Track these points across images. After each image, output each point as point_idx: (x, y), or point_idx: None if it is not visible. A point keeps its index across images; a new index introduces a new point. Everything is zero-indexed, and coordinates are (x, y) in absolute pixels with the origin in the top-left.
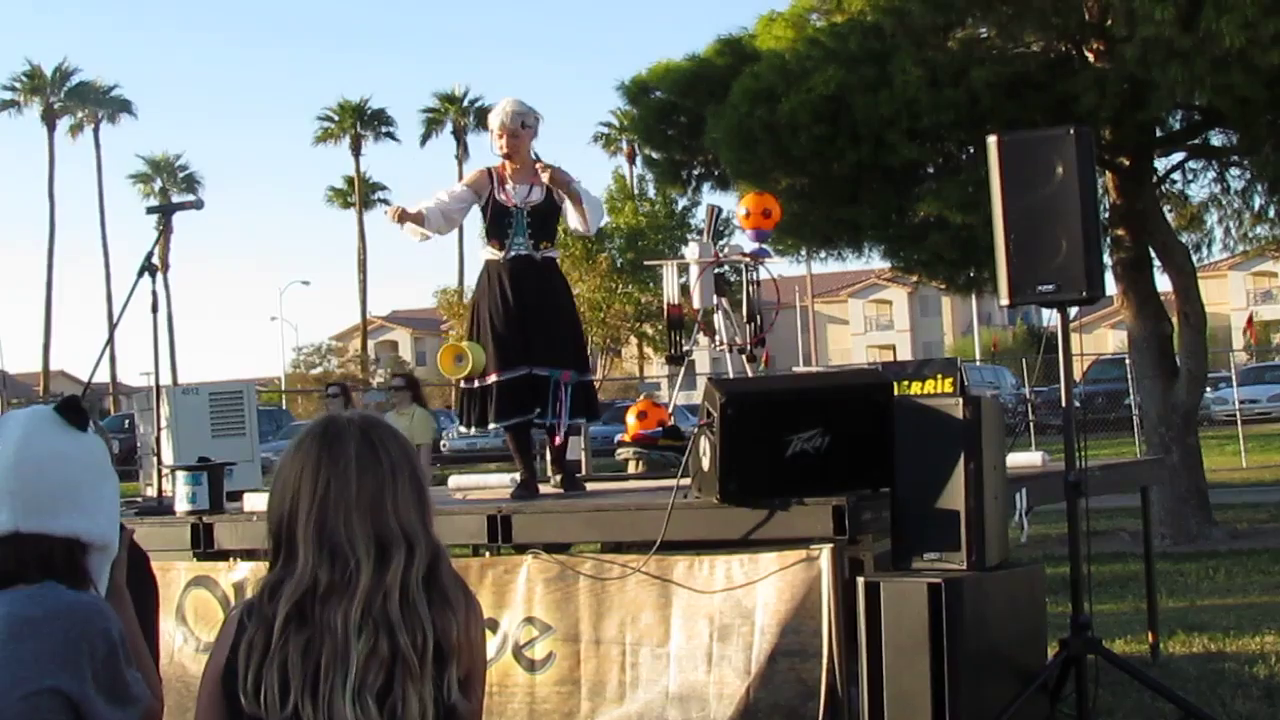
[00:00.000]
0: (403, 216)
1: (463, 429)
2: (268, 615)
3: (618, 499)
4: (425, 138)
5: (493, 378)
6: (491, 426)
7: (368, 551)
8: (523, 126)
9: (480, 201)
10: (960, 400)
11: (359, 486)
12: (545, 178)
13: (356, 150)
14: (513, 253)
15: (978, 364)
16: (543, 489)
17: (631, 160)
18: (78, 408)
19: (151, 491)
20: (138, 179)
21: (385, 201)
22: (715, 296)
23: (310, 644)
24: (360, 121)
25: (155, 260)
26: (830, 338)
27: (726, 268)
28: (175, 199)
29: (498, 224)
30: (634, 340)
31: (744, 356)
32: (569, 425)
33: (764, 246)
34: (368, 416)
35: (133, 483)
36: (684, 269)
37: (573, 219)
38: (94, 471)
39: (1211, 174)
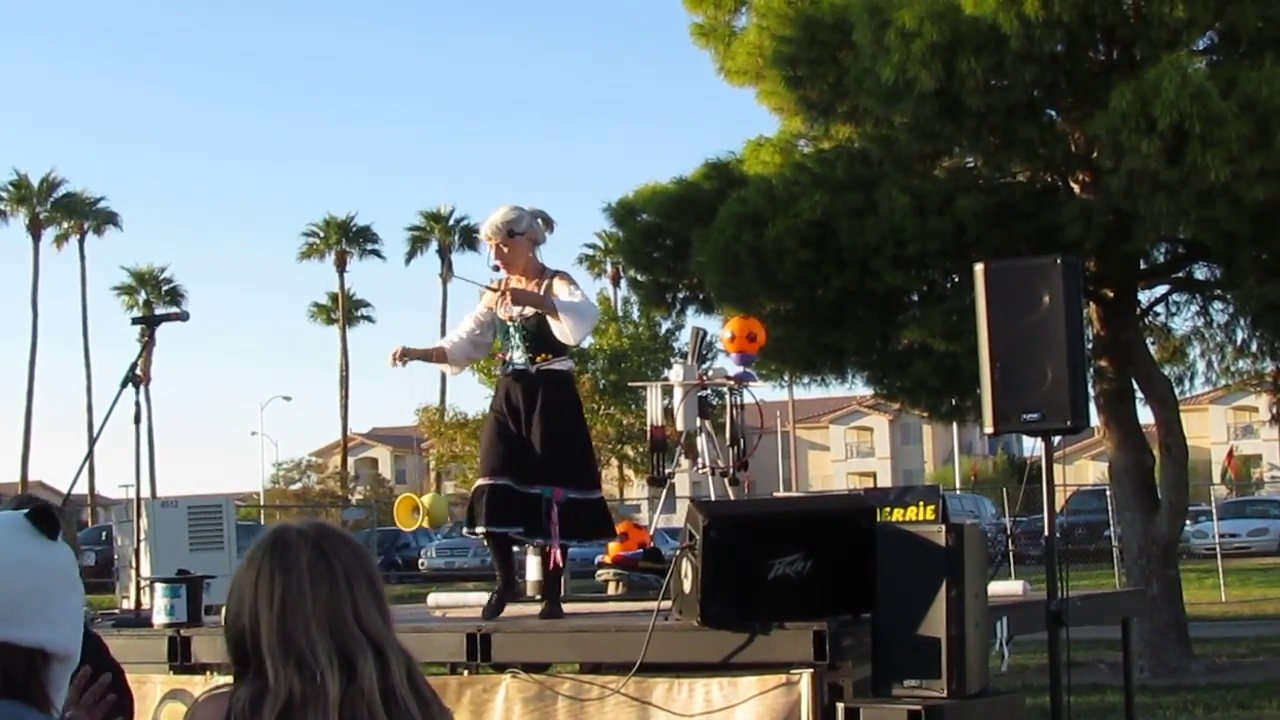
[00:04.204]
0: (405, 355)
1: (465, 530)
2: None
3: (598, 620)
4: (410, 256)
5: (480, 482)
6: (480, 531)
7: (330, 661)
8: (510, 235)
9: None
10: (943, 528)
11: (314, 596)
12: (508, 299)
13: (341, 267)
14: (511, 367)
15: (958, 493)
16: (522, 609)
17: (616, 282)
18: (49, 516)
19: (129, 604)
20: (121, 291)
21: (369, 319)
22: (698, 419)
23: None
24: (345, 238)
25: (139, 372)
26: (811, 463)
27: (710, 391)
28: (159, 311)
29: (501, 339)
30: (614, 462)
31: (726, 480)
32: (561, 547)
33: (748, 370)
34: (318, 525)
35: (109, 594)
36: (668, 391)
37: (554, 330)
38: (63, 582)
39: (1195, 307)
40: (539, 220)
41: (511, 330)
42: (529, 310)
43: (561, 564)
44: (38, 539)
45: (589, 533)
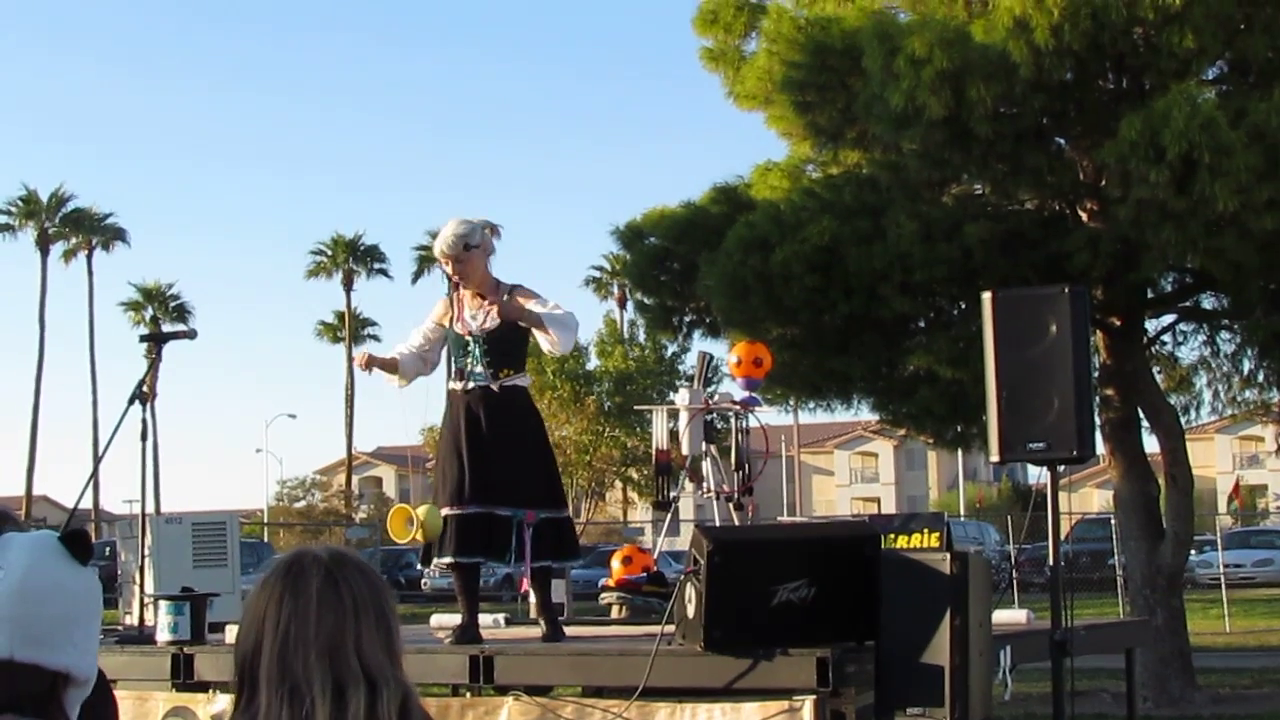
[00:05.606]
0: (370, 362)
1: (419, 565)
2: None
3: (601, 643)
4: (417, 275)
5: (445, 511)
6: (446, 561)
7: (323, 692)
8: (466, 249)
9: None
10: (947, 555)
11: (318, 625)
12: (495, 312)
13: (348, 285)
14: (471, 384)
15: (962, 519)
16: (524, 631)
17: (623, 304)
18: (84, 541)
19: (131, 620)
20: (129, 306)
21: (375, 338)
22: (704, 444)
23: None
24: (353, 257)
25: (145, 388)
26: (815, 488)
27: (715, 415)
28: (166, 328)
29: (457, 354)
30: (619, 484)
31: (731, 504)
32: (545, 568)
33: (754, 395)
34: (337, 552)
35: (112, 610)
36: (673, 415)
37: (542, 343)
38: (89, 608)
39: (1202, 337)
40: (488, 230)
41: (471, 344)
42: (490, 323)
43: (528, 587)
44: (70, 563)
45: (563, 552)
